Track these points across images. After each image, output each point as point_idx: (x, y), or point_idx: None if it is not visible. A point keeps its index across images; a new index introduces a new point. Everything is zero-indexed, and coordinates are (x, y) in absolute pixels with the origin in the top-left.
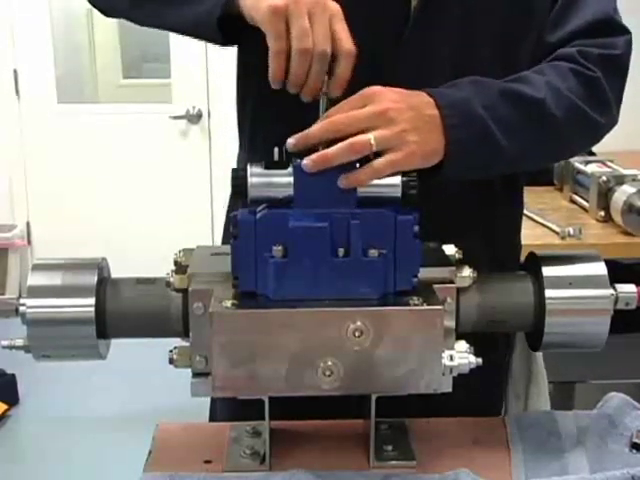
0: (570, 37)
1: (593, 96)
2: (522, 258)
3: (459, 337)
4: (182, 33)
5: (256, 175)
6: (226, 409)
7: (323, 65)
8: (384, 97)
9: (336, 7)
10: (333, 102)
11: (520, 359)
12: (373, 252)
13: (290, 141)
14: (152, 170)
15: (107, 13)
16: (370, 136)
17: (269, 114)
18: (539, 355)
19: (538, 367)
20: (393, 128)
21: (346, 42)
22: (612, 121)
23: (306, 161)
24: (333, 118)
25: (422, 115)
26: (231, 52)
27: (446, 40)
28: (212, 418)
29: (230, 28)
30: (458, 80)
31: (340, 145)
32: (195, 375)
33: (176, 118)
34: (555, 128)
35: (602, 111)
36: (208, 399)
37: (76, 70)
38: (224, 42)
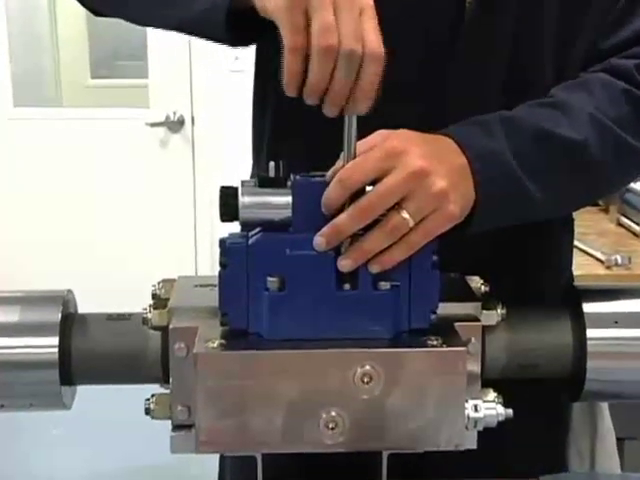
0: (627, 44)
1: None
2: None
3: (485, 384)
4: (187, 32)
5: (248, 194)
6: (239, 469)
7: (350, 69)
8: (410, 153)
9: (368, 1)
10: (360, 119)
11: (582, 411)
12: (384, 284)
13: (319, 241)
14: (125, 186)
15: (97, 11)
16: (406, 216)
17: (292, 127)
18: (604, 406)
19: (604, 421)
20: (428, 191)
21: (373, 43)
22: None
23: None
24: (362, 204)
25: (453, 167)
26: (218, 50)
27: (502, 39)
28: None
29: (243, 26)
30: (487, 118)
31: (376, 236)
32: (176, 428)
33: (154, 125)
34: (597, 172)
35: None
36: (193, 456)
37: (36, 68)
38: (233, 41)
